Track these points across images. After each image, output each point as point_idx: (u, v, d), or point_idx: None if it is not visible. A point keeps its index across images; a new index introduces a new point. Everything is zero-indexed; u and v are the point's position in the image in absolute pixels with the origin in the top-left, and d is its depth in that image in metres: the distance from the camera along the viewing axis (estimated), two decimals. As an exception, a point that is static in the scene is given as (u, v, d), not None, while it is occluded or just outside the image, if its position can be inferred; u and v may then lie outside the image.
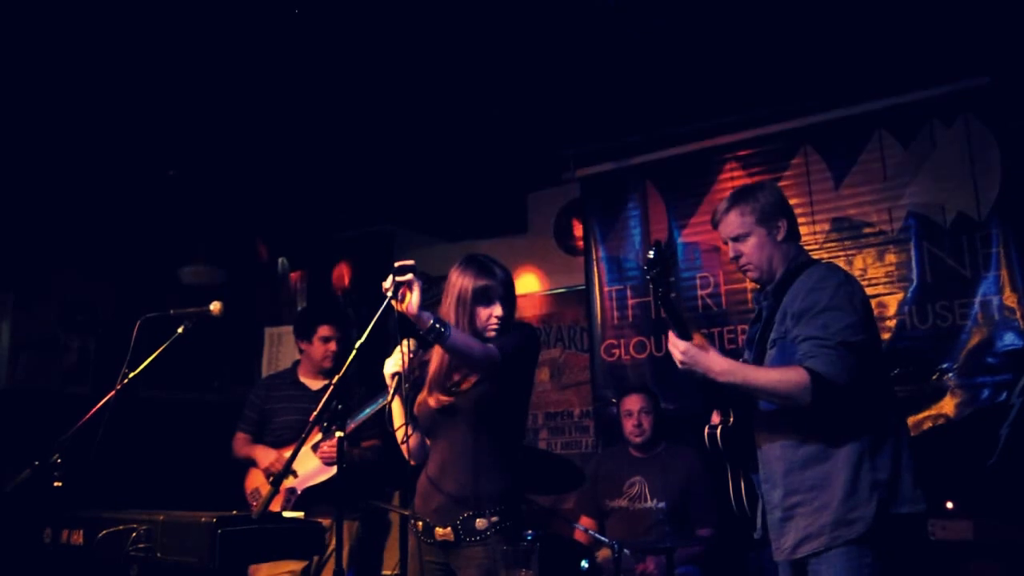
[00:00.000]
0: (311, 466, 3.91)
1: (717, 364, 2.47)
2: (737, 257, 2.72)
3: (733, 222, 2.69)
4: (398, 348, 2.62)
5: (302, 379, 4.26)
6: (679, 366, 2.52)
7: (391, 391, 2.62)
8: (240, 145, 4.59)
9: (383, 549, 4.73)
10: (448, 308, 2.71)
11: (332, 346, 4.22)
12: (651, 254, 2.61)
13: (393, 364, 2.63)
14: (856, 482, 2.40)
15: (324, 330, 4.23)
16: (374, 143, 4.67)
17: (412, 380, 2.72)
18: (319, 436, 3.98)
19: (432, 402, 2.70)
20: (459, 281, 2.71)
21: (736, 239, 2.70)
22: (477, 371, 2.59)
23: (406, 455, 2.80)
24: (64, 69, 3.75)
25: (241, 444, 4.18)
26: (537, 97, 4.38)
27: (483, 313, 2.69)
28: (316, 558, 3.91)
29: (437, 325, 2.40)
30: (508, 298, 2.73)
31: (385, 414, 2.73)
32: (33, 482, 2.61)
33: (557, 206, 5.59)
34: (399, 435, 2.76)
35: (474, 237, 5.81)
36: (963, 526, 3.16)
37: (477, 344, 2.53)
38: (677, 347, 2.52)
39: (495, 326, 2.69)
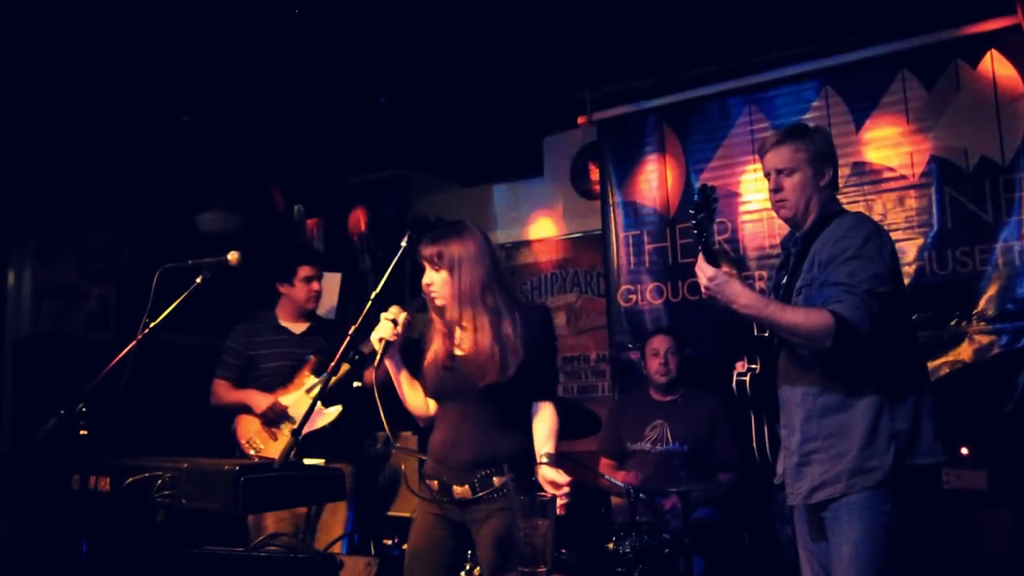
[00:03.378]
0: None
1: (742, 295, 2.47)
2: (777, 189, 2.67)
3: (784, 154, 2.65)
4: (385, 314, 2.66)
5: (283, 323, 4.20)
6: (703, 291, 2.52)
7: (379, 355, 2.64)
8: (255, 91, 4.56)
9: (390, 491, 4.79)
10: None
11: (315, 286, 4.18)
12: (698, 197, 2.61)
13: (381, 331, 2.66)
14: (875, 432, 2.42)
15: (305, 270, 4.16)
16: (390, 87, 4.62)
17: (404, 343, 2.76)
18: (312, 379, 4.02)
19: (441, 364, 2.74)
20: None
21: (781, 172, 2.65)
22: None
23: (413, 410, 2.85)
24: (81, 15, 3.72)
25: (226, 390, 4.11)
26: (553, 39, 4.30)
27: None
28: None
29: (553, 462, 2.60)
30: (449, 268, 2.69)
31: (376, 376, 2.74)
32: (60, 431, 2.67)
33: (573, 150, 5.54)
34: (402, 398, 2.83)
35: (489, 181, 5.79)
36: (977, 476, 3.17)
37: (557, 425, 2.70)
38: (704, 272, 2.51)
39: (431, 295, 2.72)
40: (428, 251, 2.69)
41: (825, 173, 2.66)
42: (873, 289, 2.39)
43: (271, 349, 4.13)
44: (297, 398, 3.99)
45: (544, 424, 2.68)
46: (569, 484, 2.51)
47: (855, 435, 2.43)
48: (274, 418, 3.97)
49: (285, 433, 3.96)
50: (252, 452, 3.96)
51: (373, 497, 4.69)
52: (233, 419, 4.10)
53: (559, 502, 2.46)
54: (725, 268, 2.55)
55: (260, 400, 3.99)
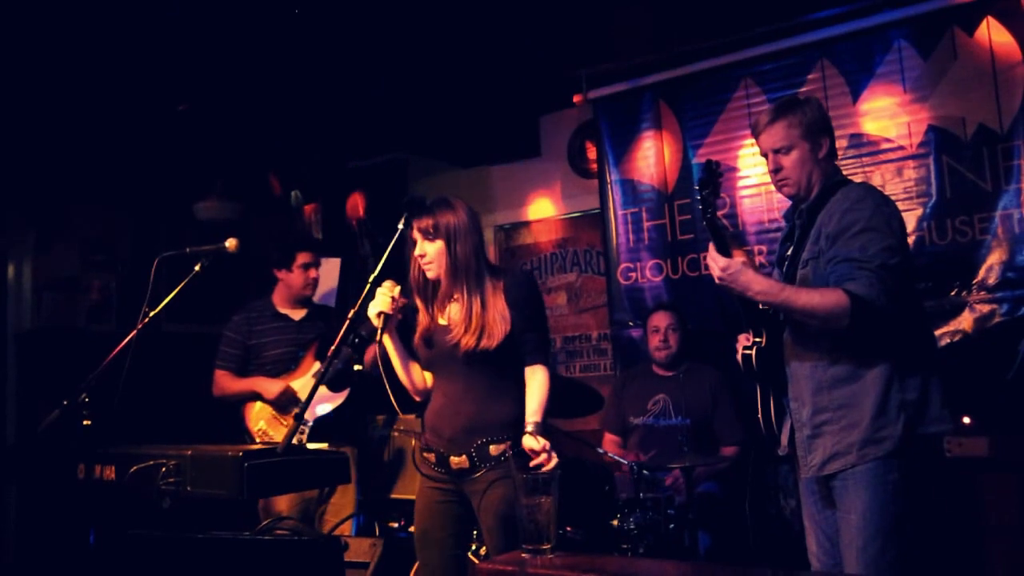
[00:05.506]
0: (318, 395, 3.95)
1: (756, 283, 2.47)
2: (777, 170, 2.66)
3: (778, 133, 2.63)
4: (380, 289, 2.68)
5: (282, 310, 4.20)
6: (717, 281, 2.51)
7: (379, 330, 2.68)
8: (252, 77, 4.54)
9: (394, 473, 4.82)
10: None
11: (312, 273, 4.19)
12: (703, 174, 2.59)
13: (379, 304, 2.67)
14: (885, 402, 2.43)
15: (304, 257, 4.17)
16: (385, 69, 4.60)
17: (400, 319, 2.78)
18: (318, 364, 4.03)
19: (428, 336, 2.77)
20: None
21: (778, 151, 2.64)
22: None
23: (415, 385, 2.86)
24: (76, 7, 3.70)
25: (229, 380, 4.10)
26: (548, 16, 4.28)
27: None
28: None
29: (540, 431, 2.60)
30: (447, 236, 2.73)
31: (378, 351, 2.78)
32: (63, 421, 2.68)
33: (570, 129, 5.52)
34: (400, 373, 2.84)
35: (487, 162, 5.78)
36: (978, 443, 3.17)
37: (548, 390, 2.70)
38: (717, 263, 2.50)
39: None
40: (423, 222, 2.71)
41: (822, 144, 2.64)
42: (885, 263, 2.39)
43: (272, 336, 4.13)
44: (305, 383, 4.00)
45: (534, 392, 2.69)
46: (546, 449, 2.54)
47: (866, 405, 2.44)
48: (285, 404, 3.97)
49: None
50: (264, 439, 3.96)
51: (377, 479, 4.71)
52: (240, 408, 4.10)
53: (537, 461, 2.53)
54: (737, 255, 2.53)
55: (271, 387, 3.99)
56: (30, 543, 4.74)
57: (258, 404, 4.05)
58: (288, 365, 4.07)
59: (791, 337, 2.63)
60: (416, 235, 2.74)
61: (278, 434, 3.96)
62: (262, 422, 4.02)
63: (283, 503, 3.87)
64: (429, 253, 2.71)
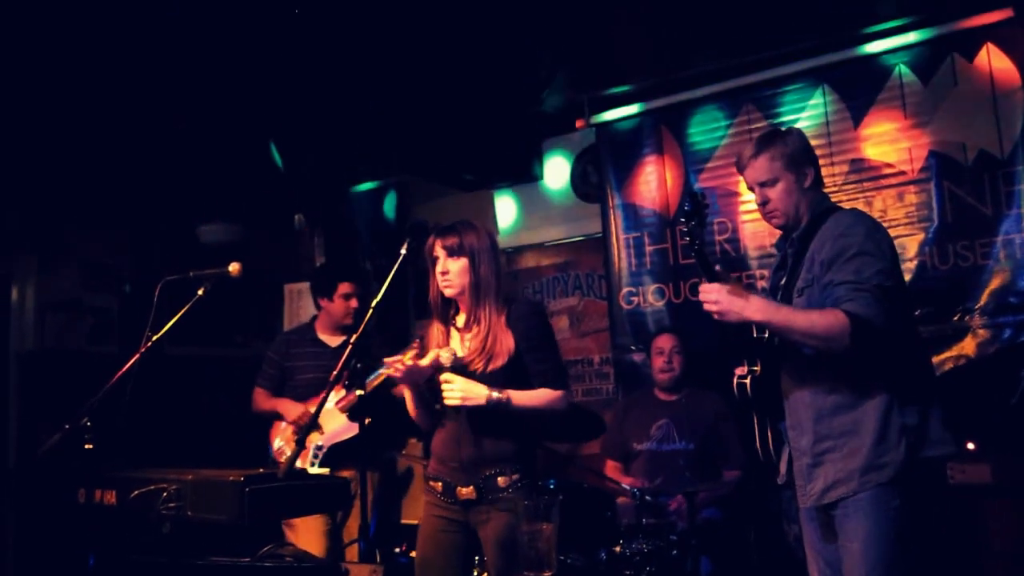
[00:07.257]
0: (338, 423, 3.96)
1: (753, 302, 2.45)
2: (764, 203, 2.68)
3: (761, 167, 2.65)
4: (397, 356, 2.70)
5: (321, 336, 4.28)
6: (715, 314, 2.47)
7: (376, 385, 2.72)
8: (255, 101, 4.57)
9: (402, 498, 4.82)
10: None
11: (353, 303, 4.24)
12: (687, 206, 2.61)
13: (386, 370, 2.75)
14: (886, 427, 2.41)
15: (345, 287, 4.24)
16: (389, 94, 4.63)
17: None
18: (343, 391, 4.04)
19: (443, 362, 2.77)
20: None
21: (764, 185, 2.66)
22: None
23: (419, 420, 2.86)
24: (79, 29, 3.73)
25: (263, 398, 4.21)
26: (552, 41, 4.31)
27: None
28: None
29: (496, 396, 2.60)
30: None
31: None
32: (64, 444, 2.68)
33: (573, 153, 5.54)
34: (412, 413, 2.86)
35: (490, 186, 5.79)
36: (981, 469, 3.15)
37: (545, 401, 2.70)
38: (710, 291, 2.48)
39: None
40: (448, 240, 2.74)
41: (807, 174, 2.66)
42: (881, 284, 2.39)
43: (306, 361, 4.19)
44: (329, 411, 4.01)
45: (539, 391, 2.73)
46: (449, 382, 2.62)
47: (867, 431, 2.42)
48: (301, 429, 3.98)
49: (314, 442, 3.99)
50: (282, 459, 3.97)
51: (381, 504, 4.70)
52: (269, 427, 4.18)
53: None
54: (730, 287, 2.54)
55: (292, 409, 4.06)
56: (29, 567, 4.72)
57: (282, 424, 4.13)
58: (318, 390, 4.06)
59: (789, 365, 2.62)
60: (439, 252, 2.75)
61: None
62: (283, 441, 4.09)
63: (301, 525, 3.87)
64: (452, 271, 2.73)
